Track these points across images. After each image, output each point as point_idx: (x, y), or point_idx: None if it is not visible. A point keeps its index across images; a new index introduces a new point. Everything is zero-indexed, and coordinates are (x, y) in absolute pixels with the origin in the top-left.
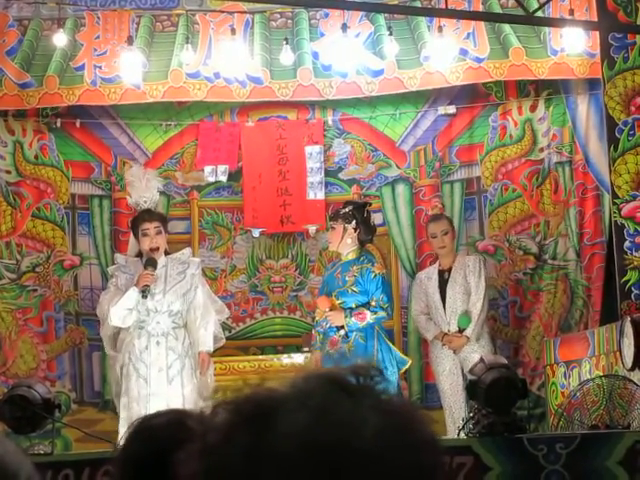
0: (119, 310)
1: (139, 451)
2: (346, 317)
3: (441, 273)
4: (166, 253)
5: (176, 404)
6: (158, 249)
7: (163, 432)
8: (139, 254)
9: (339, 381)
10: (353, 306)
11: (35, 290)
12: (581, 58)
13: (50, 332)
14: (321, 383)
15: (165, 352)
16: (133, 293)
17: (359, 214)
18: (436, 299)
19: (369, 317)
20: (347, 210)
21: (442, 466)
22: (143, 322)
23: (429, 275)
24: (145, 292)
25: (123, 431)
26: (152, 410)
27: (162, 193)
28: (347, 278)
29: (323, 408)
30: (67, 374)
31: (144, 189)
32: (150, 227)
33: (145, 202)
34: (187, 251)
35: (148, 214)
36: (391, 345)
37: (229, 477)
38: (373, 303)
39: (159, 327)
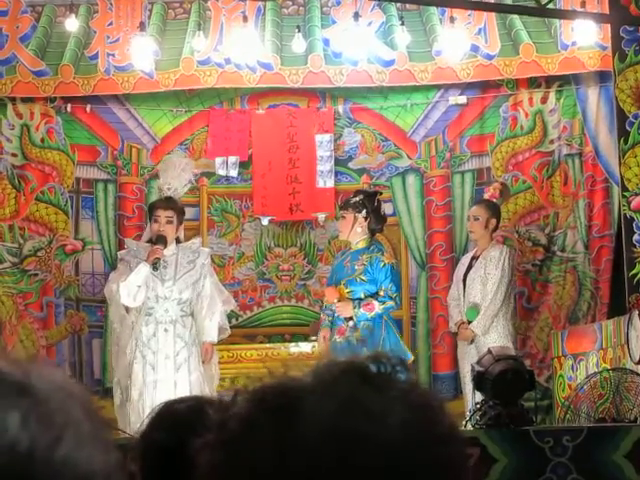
0: (129, 286)
1: (162, 437)
2: (354, 308)
3: (472, 260)
4: (178, 241)
5: (183, 391)
6: (167, 237)
7: (187, 418)
8: (151, 240)
9: (363, 371)
10: (362, 296)
11: (36, 275)
12: (592, 50)
13: (50, 318)
14: (345, 372)
15: (173, 340)
16: (144, 267)
17: (370, 203)
18: (460, 287)
19: (377, 307)
20: (358, 199)
21: (466, 459)
22: (151, 309)
23: (463, 261)
24: (156, 264)
25: (121, 417)
26: (160, 397)
27: None
28: (356, 267)
29: (349, 398)
30: (66, 361)
31: (173, 177)
32: (162, 215)
33: (168, 189)
34: (197, 241)
35: (164, 202)
36: (398, 337)
37: (253, 467)
38: (382, 293)
39: (167, 315)
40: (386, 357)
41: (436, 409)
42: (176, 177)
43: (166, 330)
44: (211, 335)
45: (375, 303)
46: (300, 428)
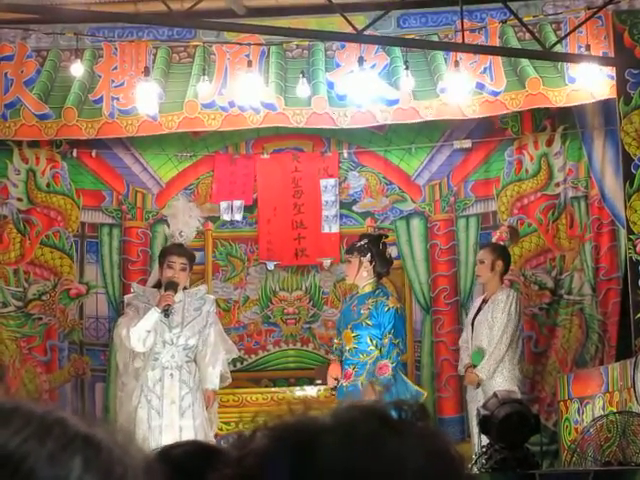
0: (139, 331)
1: None
2: (373, 383)
3: (482, 303)
4: (184, 288)
5: (188, 436)
6: (178, 284)
7: (183, 462)
8: (157, 285)
9: (382, 415)
10: (368, 340)
11: (40, 318)
12: (601, 80)
13: (53, 361)
14: (364, 415)
15: (178, 385)
16: (154, 313)
17: (374, 247)
18: (469, 330)
19: (389, 364)
20: (363, 243)
21: None
22: (158, 354)
23: (475, 304)
24: (168, 311)
25: None
26: (165, 442)
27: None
28: (362, 311)
29: (367, 441)
30: (69, 405)
31: (184, 223)
32: (177, 262)
33: (181, 236)
34: (203, 288)
35: (179, 249)
36: (406, 379)
37: None
38: (385, 341)
39: (173, 360)
40: (407, 403)
41: (455, 457)
42: (185, 223)
43: (172, 375)
44: (214, 382)
45: (385, 362)
46: (318, 466)
